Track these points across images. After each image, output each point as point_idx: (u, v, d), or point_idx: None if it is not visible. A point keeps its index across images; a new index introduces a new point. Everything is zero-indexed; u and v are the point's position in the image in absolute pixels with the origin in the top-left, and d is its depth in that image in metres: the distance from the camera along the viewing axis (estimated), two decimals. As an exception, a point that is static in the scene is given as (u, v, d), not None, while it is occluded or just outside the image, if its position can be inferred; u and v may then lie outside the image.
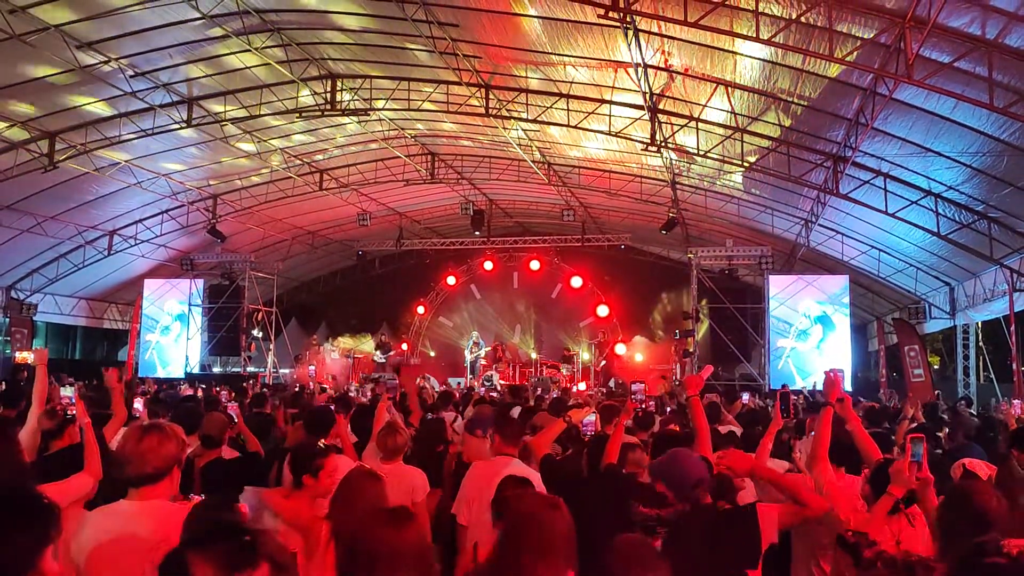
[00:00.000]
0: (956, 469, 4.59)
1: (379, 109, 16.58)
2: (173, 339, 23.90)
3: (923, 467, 3.53)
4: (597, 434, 5.74)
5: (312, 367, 23.31)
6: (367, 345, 27.55)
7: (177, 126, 16.30)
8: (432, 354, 29.10)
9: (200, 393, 12.59)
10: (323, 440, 5.39)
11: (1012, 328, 15.41)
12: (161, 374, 22.69)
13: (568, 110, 15.22)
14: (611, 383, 21.53)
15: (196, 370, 23.37)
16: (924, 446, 3.57)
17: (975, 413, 12.01)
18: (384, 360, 25.62)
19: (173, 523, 2.71)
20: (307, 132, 18.85)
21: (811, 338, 19.46)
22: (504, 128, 16.96)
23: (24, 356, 20.33)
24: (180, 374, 22.85)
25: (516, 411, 9.23)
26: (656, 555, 2.77)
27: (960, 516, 2.92)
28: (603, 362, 25.18)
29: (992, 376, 18.26)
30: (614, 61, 13.23)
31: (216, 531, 1.80)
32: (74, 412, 4.60)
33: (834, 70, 11.57)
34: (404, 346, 28.68)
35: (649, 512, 4.52)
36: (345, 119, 17.58)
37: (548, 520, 2.63)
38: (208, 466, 5.14)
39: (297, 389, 13.78)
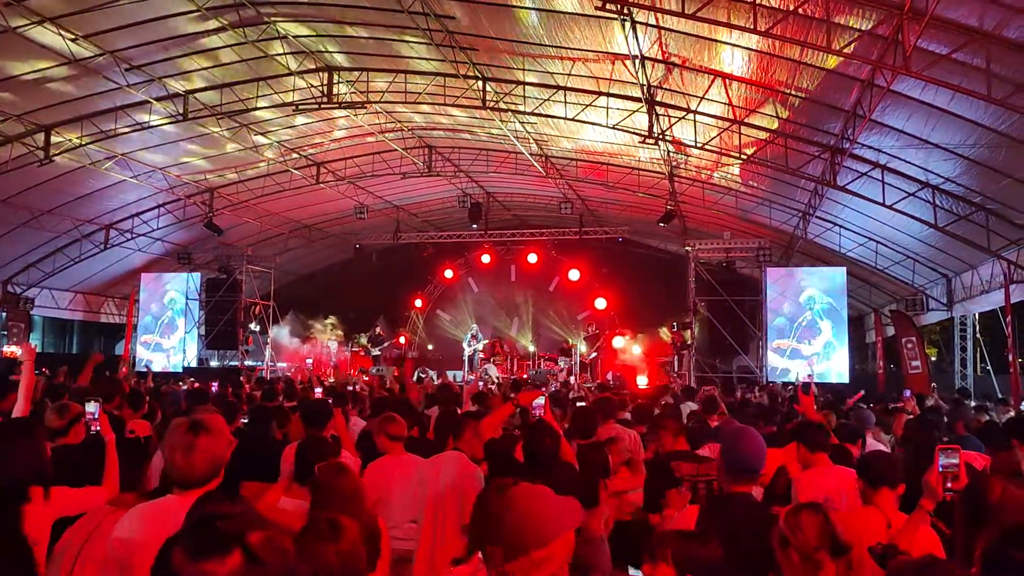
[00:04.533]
0: None
1: (376, 102, 16.52)
2: (171, 334, 23.89)
3: (960, 478, 3.32)
4: (537, 420, 5.50)
5: (310, 360, 23.34)
6: (364, 338, 27.56)
7: (173, 119, 16.24)
8: (430, 347, 29.12)
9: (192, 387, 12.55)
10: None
11: (1008, 319, 15.44)
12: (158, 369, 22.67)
13: (565, 102, 15.17)
14: (609, 376, 21.54)
15: (193, 364, 23.38)
16: (960, 456, 3.37)
17: (974, 406, 12.05)
18: (378, 353, 25.63)
19: None
20: (304, 125, 18.79)
21: (818, 339, 19.38)
22: (501, 121, 16.92)
23: (12, 351, 20.22)
24: (178, 368, 22.85)
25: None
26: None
27: (967, 511, 2.90)
28: (593, 354, 25.21)
29: (989, 368, 18.30)
30: (611, 53, 13.20)
31: (193, 520, 1.74)
32: (98, 428, 4.45)
33: (832, 62, 11.54)
34: (402, 339, 28.70)
35: (692, 469, 4.55)
36: (342, 112, 17.53)
37: None
38: None
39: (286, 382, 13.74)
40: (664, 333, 23.94)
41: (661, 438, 5.93)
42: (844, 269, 19.93)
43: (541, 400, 5.73)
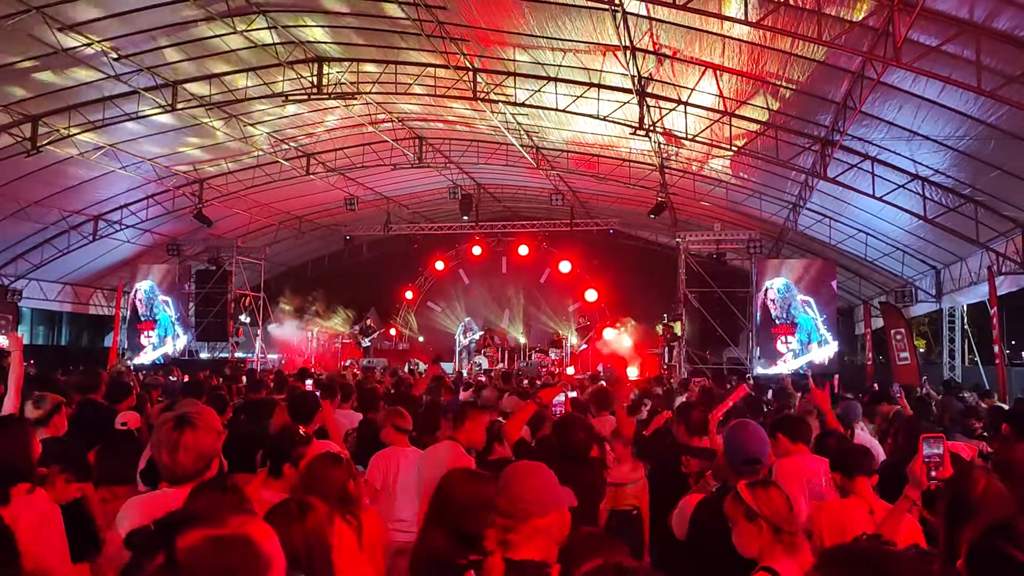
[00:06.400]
0: None
1: (366, 93, 16.45)
2: (158, 326, 23.78)
3: (945, 467, 3.31)
4: (566, 415, 5.61)
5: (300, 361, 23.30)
6: (355, 329, 27.52)
7: (161, 109, 16.12)
8: (421, 339, 29.10)
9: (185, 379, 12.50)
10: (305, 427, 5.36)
11: (994, 311, 15.51)
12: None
13: (556, 94, 15.14)
14: (600, 368, 21.56)
15: (182, 356, 23.29)
16: (945, 445, 3.36)
17: (960, 398, 12.10)
18: (368, 345, 25.58)
19: None
20: (293, 116, 18.70)
21: (803, 330, 19.37)
22: (492, 112, 16.87)
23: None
24: (160, 360, 22.76)
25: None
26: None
27: (950, 503, 2.90)
28: (583, 346, 25.24)
29: (977, 359, 18.39)
30: (603, 44, 13.17)
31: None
32: None
33: (822, 53, 11.55)
34: (392, 331, 28.67)
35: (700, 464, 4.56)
36: (332, 103, 17.44)
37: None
38: None
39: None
40: (659, 329, 24.03)
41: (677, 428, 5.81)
42: (833, 261, 20.01)
43: (562, 397, 5.75)
